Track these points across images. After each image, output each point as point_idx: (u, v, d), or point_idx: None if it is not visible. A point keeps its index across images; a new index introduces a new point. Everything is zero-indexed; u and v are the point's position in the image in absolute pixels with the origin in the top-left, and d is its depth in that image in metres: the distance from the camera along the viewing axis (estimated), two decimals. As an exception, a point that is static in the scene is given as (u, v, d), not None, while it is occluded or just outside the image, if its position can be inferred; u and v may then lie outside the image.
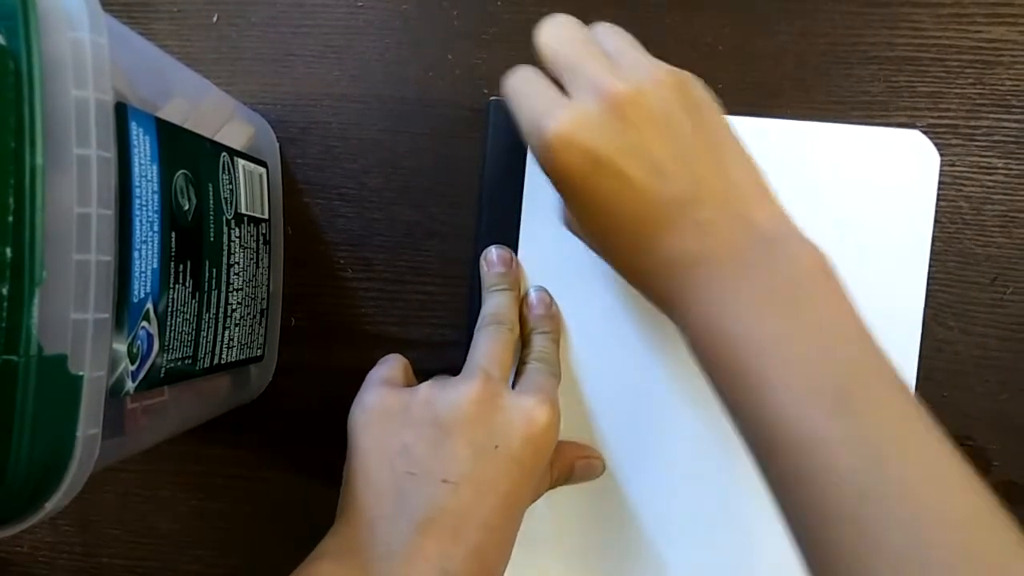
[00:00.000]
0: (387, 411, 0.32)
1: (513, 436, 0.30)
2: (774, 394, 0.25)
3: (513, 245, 0.37)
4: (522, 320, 0.36)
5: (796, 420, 0.25)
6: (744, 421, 0.27)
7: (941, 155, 0.36)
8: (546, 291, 0.37)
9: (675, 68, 0.29)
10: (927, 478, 0.24)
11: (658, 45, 0.37)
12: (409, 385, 0.35)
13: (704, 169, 0.28)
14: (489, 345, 0.33)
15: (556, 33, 0.30)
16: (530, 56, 0.37)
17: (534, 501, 0.33)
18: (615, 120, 0.27)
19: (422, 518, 0.29)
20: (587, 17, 0.37)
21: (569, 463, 0.35)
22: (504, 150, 0.37)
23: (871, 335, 0.26)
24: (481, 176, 0.37)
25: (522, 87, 0.30)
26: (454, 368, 0.36)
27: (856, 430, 0.24)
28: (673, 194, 0.27)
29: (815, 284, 0.27)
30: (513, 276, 0.36)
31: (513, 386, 0.33)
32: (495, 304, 0.35)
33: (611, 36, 0.31)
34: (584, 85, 0.28)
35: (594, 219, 0.29)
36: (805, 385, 0.25)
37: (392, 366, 0.35)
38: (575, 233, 0.33)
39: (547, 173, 0.29)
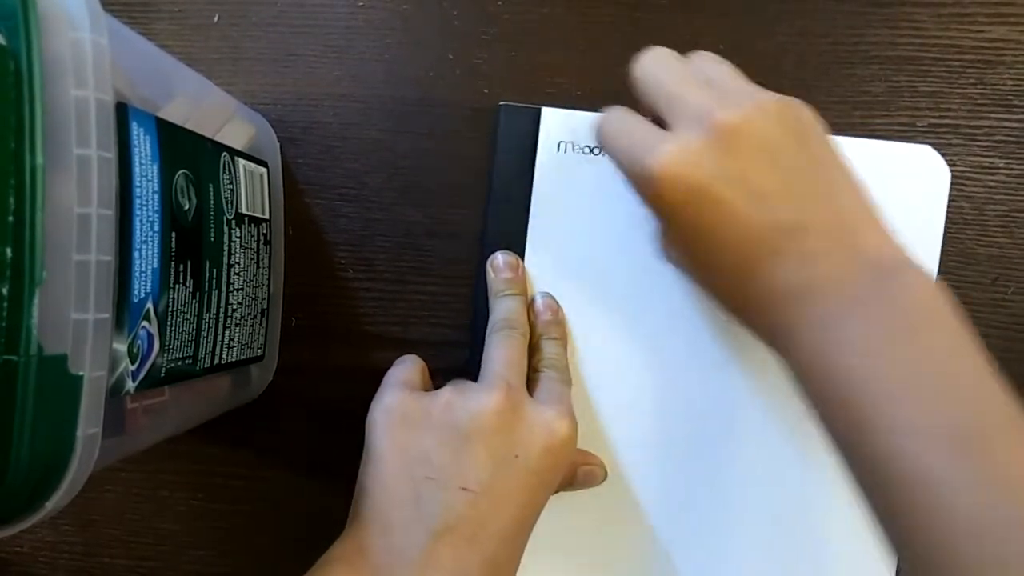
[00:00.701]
0: (407, 415, 0.31)
1: (533, 447, 0.30)
2: (890, 433, 0.24)
3: (520, 251, 0.37)
4: (529, 326, 0.36)
5: (914, 459, 0.24)
6: (855, 457, 0.26)
7: (942, 155, 0.36)
8: (552, 297, 0.37)
9: (782, 96, 0.29)
10: None
11: (657, 45, 0.37)
12: (426, 387, 0.35)
13: (810, 197, 0.27)
14: (505, 352, 0.33)
15: (656, 65, 0.30)
16: (532, 56, 0.38)
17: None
18: (719, 151, 0.27)
19: (439, 525, 0.29)
20: (590, 17, 0.37)
21: (571, 470, 0.35)
22: (512, 155, 0.37)
23: (992, 370, 0.25)
24: (489, 181, 0.37)
25: (619, 126, 0.30)
26: (455, 368, 0.36)
27: (979, 472, 0.23)
28: (777, 222, 0.27)
29: (932, 317, 0.26)
30: (520, 281, 0.36)
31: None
32: (506, 309, 0.35)
33: (712, 65, 0.30)
34: (687, 116, 0.28)
35: (697, 250, 0.29)
36: (924, 423, 0.24)
37: (411, 368, 0.35)
38: (674, 264, 0.33)
39: (651, 207, 0.28)
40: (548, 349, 0.35)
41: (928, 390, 0.25)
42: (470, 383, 0.33)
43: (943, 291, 0.26)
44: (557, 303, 0.37)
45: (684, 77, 0.30)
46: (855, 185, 0.28)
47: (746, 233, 0.27)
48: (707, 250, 0.28)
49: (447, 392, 0.32)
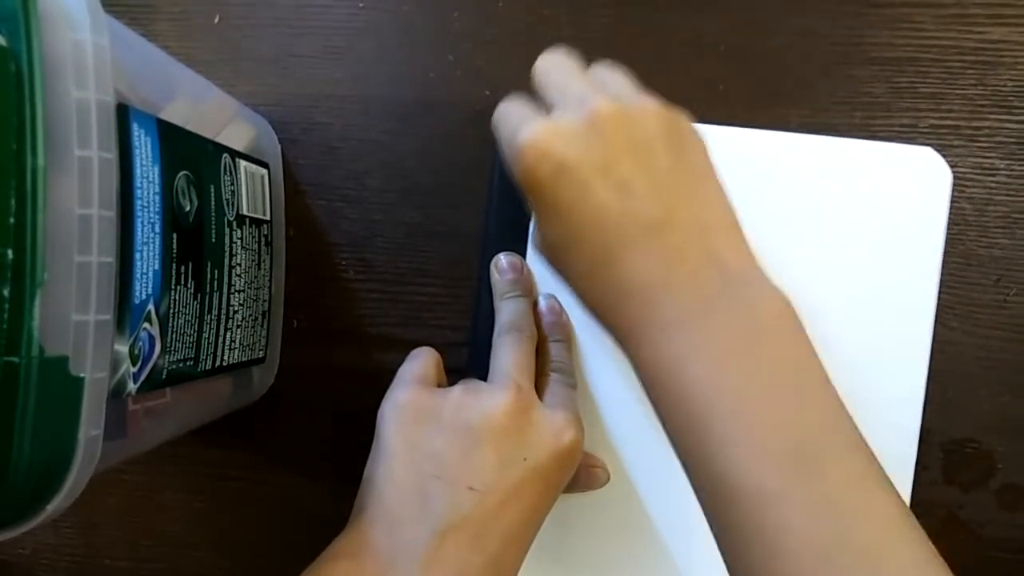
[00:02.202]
0: (419, 412, 0.32)
1: (542, 450, 0.30)
2: (730, 446, 0.24)
3: (522, 253, 0.37)
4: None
5: (751, 475, 0.24)
6: (695, 468, 0.26)
7: (943, 156, 0.36)
8: (556, 299, 0.37)
9: (667, 104, 0.29)
10: (887, 544, 0.23)
11: (658, 45, 0.37)
12: (440, 381, 0.35)
13: (676, 198, 0.27)
14: (514, 354, 0.33)
15: (552, 60, 0.30)
16: (531, 56, 0.37)
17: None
18: (591, 134, 0.27)
19: (444, 524, 0.29)
20: (588, 17, 0.37)
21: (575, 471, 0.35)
22: None
23: (833, 390, 0.25)
24: (489, 182, 0.37)
25: (506, 108, 0.30)
26: (456, 368, 0.36)
27: (816, 491, 0.23)
28: (638, 215, 0.26)
29: (780, 332, 0.26)
30: (525, 282, 0.36)
31: None
32: (512, 311, 0.35)
33: (607, 71, 0.30)
34: (567, 100, 0.28)
35: (558, 235, 0.28)
36: (763, 439, 0.24)
37: (424, 362, 0.35)
38: (541, 256, 0.32)
39: (518, 182, 0.28)
40: (554, 352, 0.35)
41: (770, 407, 0.24)
42: (481, 383, 0.33)
43: (792, 308, 0.26)
44: (561, 305, 0.37)
45: (575, 71, 0.30)
46: (724, 197, 0.28)
47: (605, 221, 0.27)
48: (567, 236, 0.28)
49: (458, 391, 0.32)
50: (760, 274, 0.27)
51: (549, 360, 0.35)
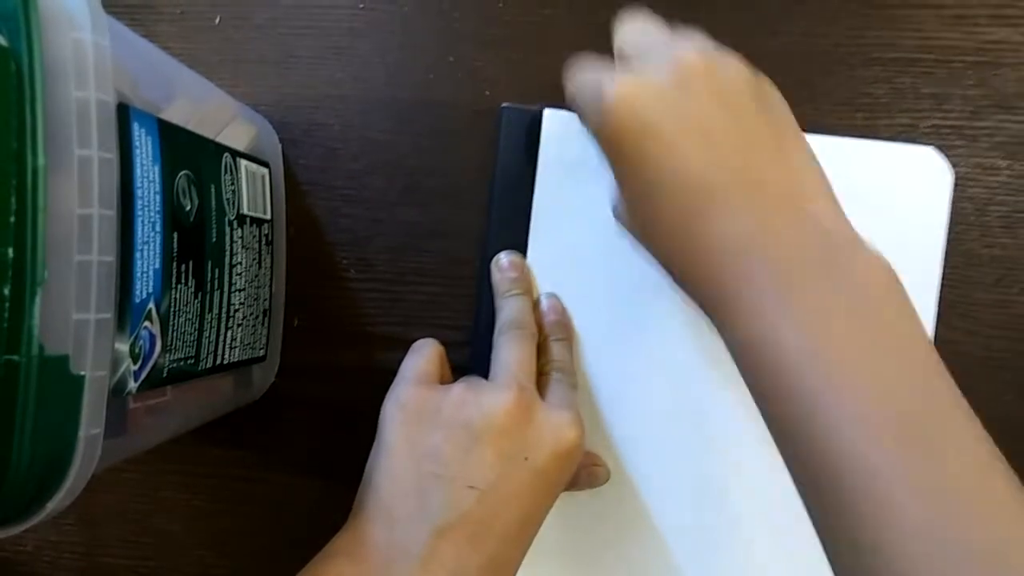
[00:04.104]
0: (420, 410, 0.32)
1: (542, 450, 0.30)
2: (830, 415, 0.22)
3: (523, 252, 0.37)
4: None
5: (852, 444, 0.22)
6: (790, 439, 0.24)
7: (945, 156, 0.36)
8: (557, 297, 0.37)
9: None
10: (1015, 550, 0.20)
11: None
12: (443, 375, 0.35)
13: (764, 154, 0.26)
14: (515, 352, 0.33)
15: (636, 20, 0.30)
16: (532, 56, 0.38)
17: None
18: (678, 89, 0.26)
19: (443, 522, 0.29)
20: (588, 17, 0.37)
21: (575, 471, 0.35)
22: (514, 157, 0.37)
23: (941, 363, 0.24)
24: (490, 182, 0.37)
25: (582, 71, 0.29)
26: (457, 368, 0.36)
27: (932, 476, 0.21)
28: (728, 168, 0.25)
29: (885, 298, 0.24)
30: (526, 280, 0.36)
31: None
32: (513, 309, 0.35)
33: (694, 34, 0.29)
34: (651, 55, 0.27)
35: (639, 188, 0.27)
36: (868, 410, 0.22)
37: (428, 357, 0.35)
38: (623, 224, 0.31)
39: (600, 143, 0.27)
40: (555, 350, 0.35)
41: (876, 375, 0.23)
42: (483, 381, 0.33)
43: (894, 274, 0.24)
44: (562, 304, 0.37)
45: (658, 29, 0.29)
46: (812, 155, 0.27)
47: (693, 178, 0.25)
48: (651, 191, 0.26)
49: (460, 389, 0.32)
50: (859, 240, 0.25)
51: (550, 359, 0.35)
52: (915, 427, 0.22)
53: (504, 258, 0.37)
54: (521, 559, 0.31)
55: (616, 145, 0.27)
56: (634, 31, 0.29)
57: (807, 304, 0.24)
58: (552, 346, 0.35)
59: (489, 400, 0.31)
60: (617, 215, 0.31)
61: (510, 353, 0.33)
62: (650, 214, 0.27)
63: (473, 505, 0.29)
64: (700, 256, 0.26)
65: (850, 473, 0.22)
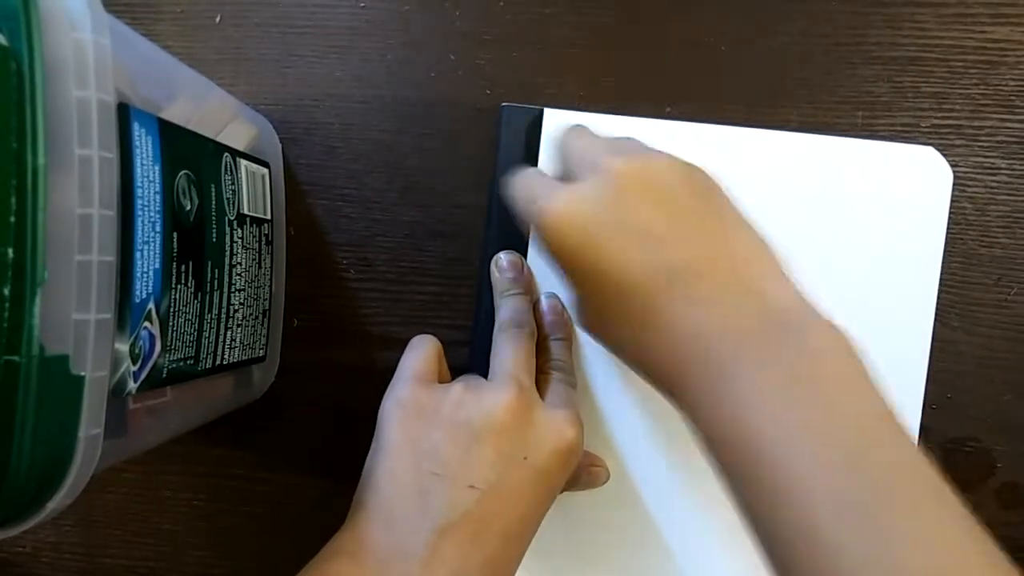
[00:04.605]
0: (420, 409, 0.32)
1: (542, 449, 0.30)
2: (795, 496, 0.22)
3: (523, 252, 0.37)
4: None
5: (817, 527, 0.22)
6: (758, 521, 0.24)
7: (945, 156, 0.36)
8: (556, 297, 0.37)
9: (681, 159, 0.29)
10: None
11: (658, 45, 0.37)
12: (441, 372, 0.35)
13: (707, 242, 0.26)
14: (514, 351, 0.33)
15: (575, 133, 0.32)
16: (532, 55, 0.38)
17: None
18: (611, 196, 0.27)
19: (443, 521, 0.29)
20: (588, 17, 0.37)
21: (575, 471, 0.35)
22: (515, 155, 0.37)
23: (905, 430, 0.23)
24: (491, 182, 0.37)
25: (522, 179, 0.31)
26: (457, 368, 0.36)
27: (888, 546, 0.21)
28: (671, 262, 0.26)
29: (841, 372, 0.24)
30: (525, 280, 0.36)
31: None
32: (512, 308, 0.35)
33: (627, 140, 0.31)
34: (586, 167, 0.29)
35: (594, 300, 0.28)
36: (831, 488, 0.22)
37: (426, 355, 0.35)
38: (586, 330, 0.31)
39: (552, 260, 0.28)
40: (554, 350, 0.35)
41: (837, 453, 0.22)
42: (482, 380, 0.33)
43: (851, 342, 0.24)
44: (562, 304, 0.37)
45: (597, 140, 0.31)
46: (751, 231, 0.27)
47: (638, 277, 0.26)
48: (606, 300, 0.27)
49: (459, 388, 0.32)
50: (809, 308, 0.25)
51: (550, 358, 0.35)
52: (868, 501, 0.22)
53: (504, 258, 0.37)
54: (521, 557, 0.31)
55: (557, 255, 0.28)
56: (569, 142, 0.31)
57: (762, 386, 0.24)
58: (552, 345, 0.35)
59: (489, 399, 0.31)
60: (580, 323, 0.31)
61: (509, 352, 0.33)
62: (599, 314, 0.29)
63: (473, 505, 0.29)
64: (660, 351, 0.27)
65: (804, 546, 0.22)
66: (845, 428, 0.23)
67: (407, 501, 0.30)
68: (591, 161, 0.29)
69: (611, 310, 0.28)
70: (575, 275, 0.28)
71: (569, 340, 0.36)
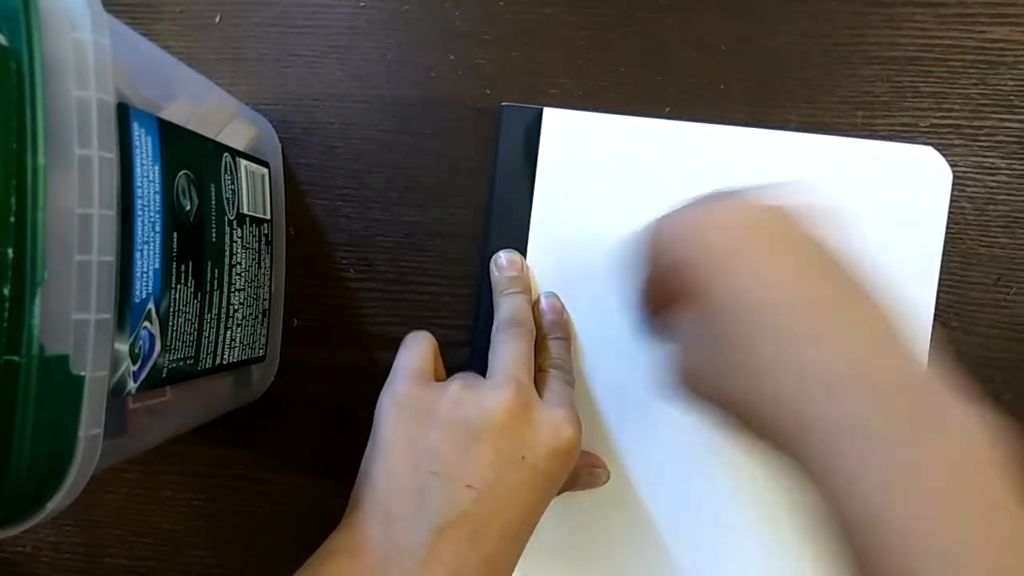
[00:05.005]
0: (417, 407, 0.32)
1: (540, 449, 0.30)
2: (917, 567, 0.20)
3: (522, 251, 0.37)
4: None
5: None
6: None
7: (944, 155, 0.36)
8: (556, 296, 0.37)
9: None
10: None
11: (659, 45, 0.37)
12: (438, 369, 0.35)
13: (856, 297, 0.25)
14: (513, 350, 0.33)
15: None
16: (532, 55, 0.38)
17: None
18: (775, 216, 0.26)
19: (441, 521, 0.29)
20: (588, 17, 0.37)
21: (574, 471, 0.35)
22: (514, 156, 0.37)
23: None
24: (490, 181, 0.37)
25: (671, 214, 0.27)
26: (457, 368, 0.36)
27: None
28: (823, 299, 0.24)
29: (987, 474, 0.22)
30: (524, 279, 0.36)
31: None
32: (511, 307, 0.35)
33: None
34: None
35: (725, 323, 0.25)
36: (959, 564, 0.20)
37: (422, 352, 0.35)
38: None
39: (671, 274, 0.26)
40: (553, 348, 0.35)
41: (976, 560, 0.21)
42: (480, 378, 0.33)
43: (998, 440, 0.23)
44: (561, 303, 0.37)
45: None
46: (880, 309, 0.26)
47: (799, 304, 0.24)
48: (740, 322, 0.24)
49: (457, 386, 0.32)
50: (953, 394, 0.24)
51: (549, 357, 0.35)
52: None
53: (503, 256, 0.37)
54: (519, 556, 0.31)
55: (695, 270, 0.25)
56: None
57: (914, 469, 0.22)
58: (550, 344, 0.35)
59: (487, 398, 0.31)
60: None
61: (508, 350, 0.33)
62: (734, 347, 0.25)
63: (472, 504, 0.29)
64: (788, 438, 0.24)
65: None
66: (990, 543, 0.21)
67: (405, 500, 0.30)
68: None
69: (752, 337, 0.24)
70: (715, 289, 0.25)
71: (568, 339, 0.36)
